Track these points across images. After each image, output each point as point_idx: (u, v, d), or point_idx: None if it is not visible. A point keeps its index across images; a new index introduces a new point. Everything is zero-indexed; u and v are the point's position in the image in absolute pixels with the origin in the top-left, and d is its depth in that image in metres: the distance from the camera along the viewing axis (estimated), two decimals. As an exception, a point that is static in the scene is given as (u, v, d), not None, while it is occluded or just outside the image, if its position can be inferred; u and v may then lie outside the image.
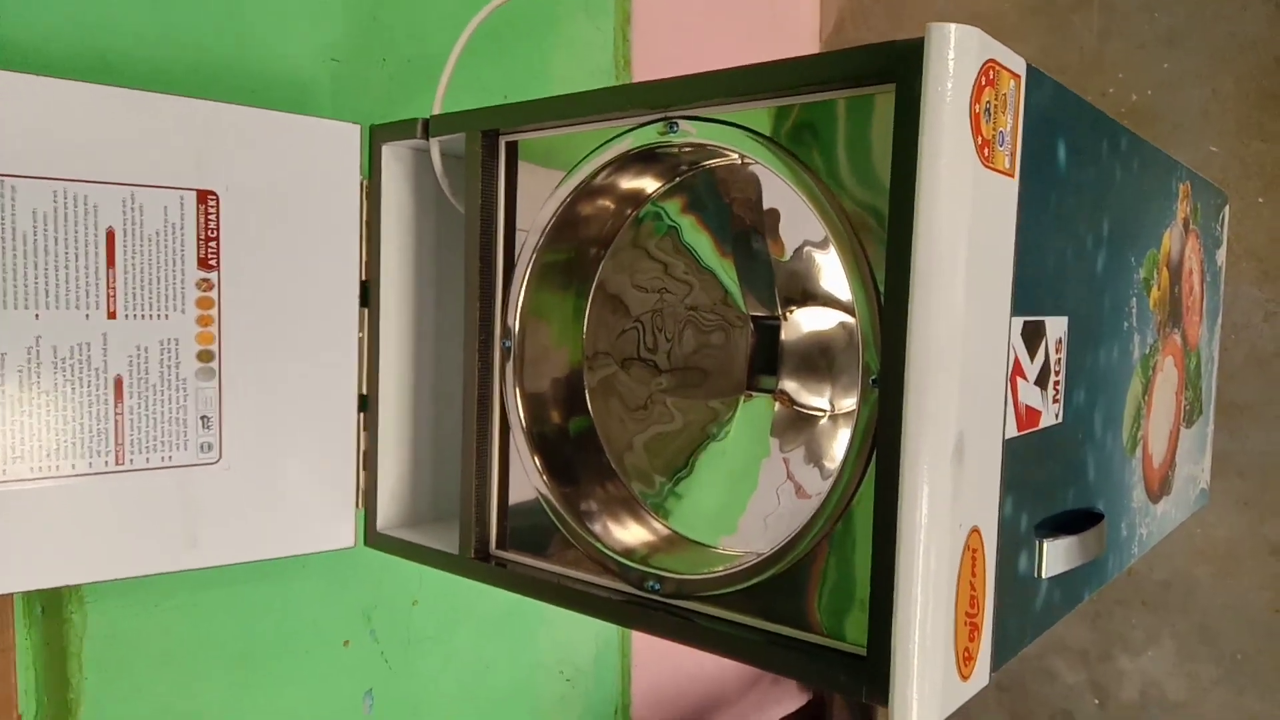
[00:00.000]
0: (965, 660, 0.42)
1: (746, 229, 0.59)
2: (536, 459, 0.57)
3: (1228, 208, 0.88)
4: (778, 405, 0.60)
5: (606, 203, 0.58)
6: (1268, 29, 0.97)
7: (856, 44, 1.28)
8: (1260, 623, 0.99)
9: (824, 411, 0.58)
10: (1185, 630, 1.04)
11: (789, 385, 0.60)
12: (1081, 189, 0.51)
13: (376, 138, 0.67)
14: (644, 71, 1.05)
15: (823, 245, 0.57)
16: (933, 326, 0.39)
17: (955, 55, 0.38)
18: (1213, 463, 0.88)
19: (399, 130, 0.65)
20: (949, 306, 0.39)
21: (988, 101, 0.40)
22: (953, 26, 0.38)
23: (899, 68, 0.40)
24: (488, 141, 0.59)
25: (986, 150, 0.40)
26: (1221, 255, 0.87)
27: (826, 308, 0.58)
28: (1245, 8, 0.98)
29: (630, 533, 0.57)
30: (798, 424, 0.59)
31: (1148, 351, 0.66)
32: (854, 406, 0.56)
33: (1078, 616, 1.09)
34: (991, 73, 0.40)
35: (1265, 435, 0.98)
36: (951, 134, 0.38)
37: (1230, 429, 0.99)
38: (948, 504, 0.39)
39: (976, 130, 0.39)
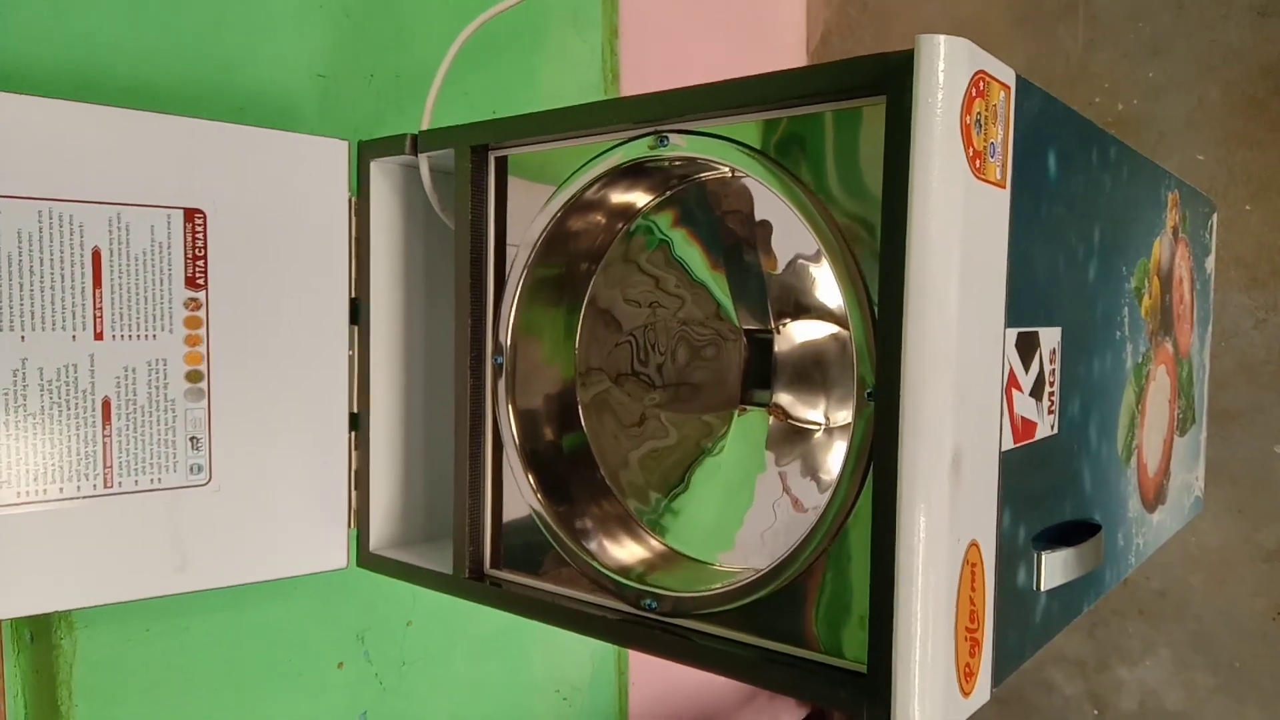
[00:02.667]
0: (966, 676, 0.41)
1: (738, 242, 0.59)
2: (530, 477, 0.57)
3: (1216, 215, 0.88)
4: (772, 419, 0.60)
5: (597, 217, 0.58)
6: (1251, 37, 0.97)
7: (843, 55, 1.28)
8: (1255, 630, 0.99)
9: (819, 425, 0.58)
10: (1182, 639, 1.03)
11: (783, 398, 0.60)
12: (1072, 199, 0.51)
13: (365, 154, 0.66)
14: (632, 84, 1.05)
15: (815, 258, 0.57)
16: (928, 340, 0.39)
17: (945, 67, 0.38)
18: (1205, 470, 0.88)
19: (387, 146, 0.65)
20: (943, 319, 0.39)
21: (978, 113, 0.40)
22: (942, 38, 0.38)
23: (889, 80, 0.40)
24: (477, 157, 0.59)
25: (978, 162, 0.40)
26: (1211, 263, 0.88)
27: (820, 320, 0.58)
28: (1228, 17, 0.99)
29: (626, 550, 0.57)
30: (793, 438, 0.59)
31: (1140, 360, 0.66)
32: (849, 419, 0.56)
33: (1075, 627, 1.09)
34: (982, 84, 0.40)
35: (1256, 442, 0.98)
36: (943, 146, 0.38)
37: (1222, 436, 0.99)
38: (946, 518, 0.39)
39: (968, 142, 0.39)
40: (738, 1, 1.23)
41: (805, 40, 1.31)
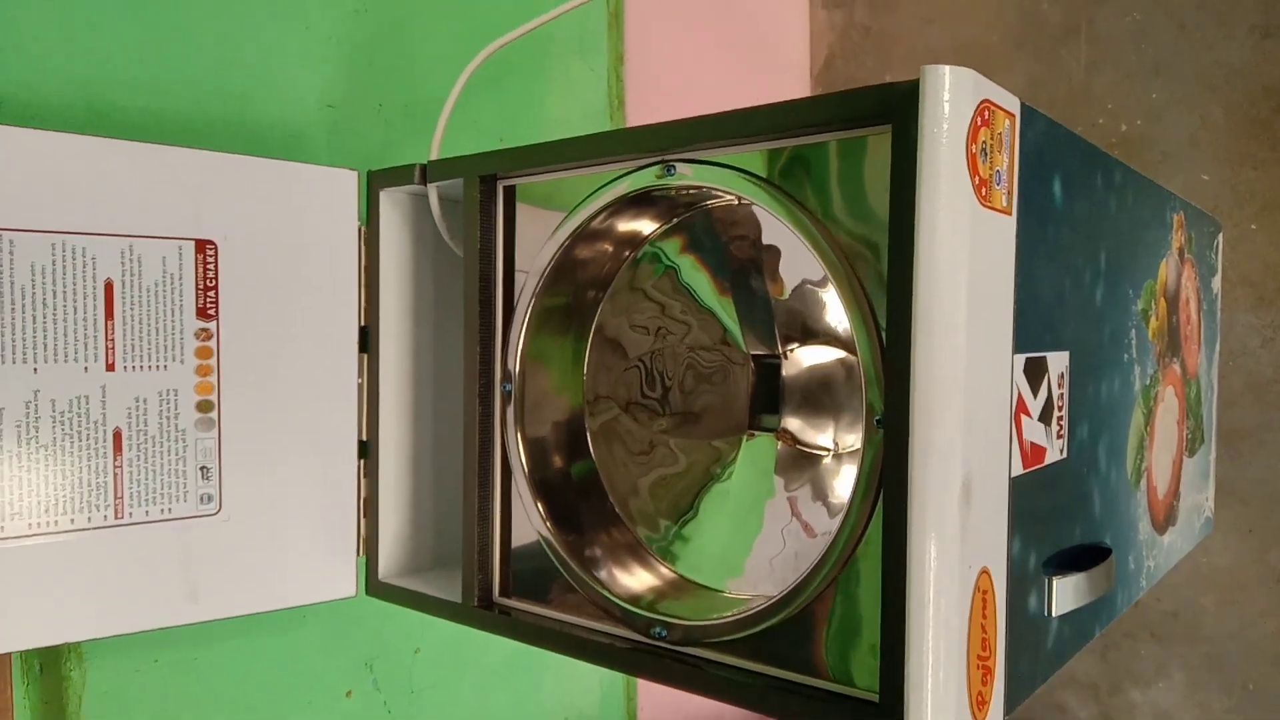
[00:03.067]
0: (979, 705, 0.41)
1: (745, 268, 0.59)
2: (539, 505, 0.57)
3: (1221, 235, 0.89)
4: (780, 444, 0.60)
5: (604, 246, 0.58)
6: (1253, 58, 0.98)
7: (846, 78, 1.29)
8: (1268, 651, 0.98)
9: (828, 450, 0.58)
10: (1194, 661, 1.03)
11: (792, 424, 0.60)
12: (1078, 223, 0.51)
13: (374, 183, 0.67)
14: (638, 109, 1.06)
15: (821, 283, 0.57)
16: (936, 368, 0.39)
17: (950, 97, 0.38)
18: (1215, 490, 0.87)
19: (396, 176, 0.65)
20: (952, 347, 0.39)
21: (984, 141, 0.40)
22: (947, 69, 0.39)
23: (895, 110, 0.40)
24: (485, 186, 0.59)
25: (984, 190, 0.40)
26: (1217, 283, 0.88)
27: (827, 346, 0.58)
28: (1230, 37, 0.99)
29: (636, 578, 0.57)
30: (801, 463, 0.59)
31: (1148, 382, 0.66)
32: (858, 445, 0.56)
33: (1087, 649, 1.08)
34: (987, 113, 0.41)
35: (1266, 462, 0.98)
36: (949, 176, 0.38)
37: (1231, 456, 0.98)
38: (957, 546, 0.39)
39: (974, 171, 0.40)
40: (742, 26, 1.24)
41: (809, 64, 1.32)
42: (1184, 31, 1.02)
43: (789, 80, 1.31)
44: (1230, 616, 1.00)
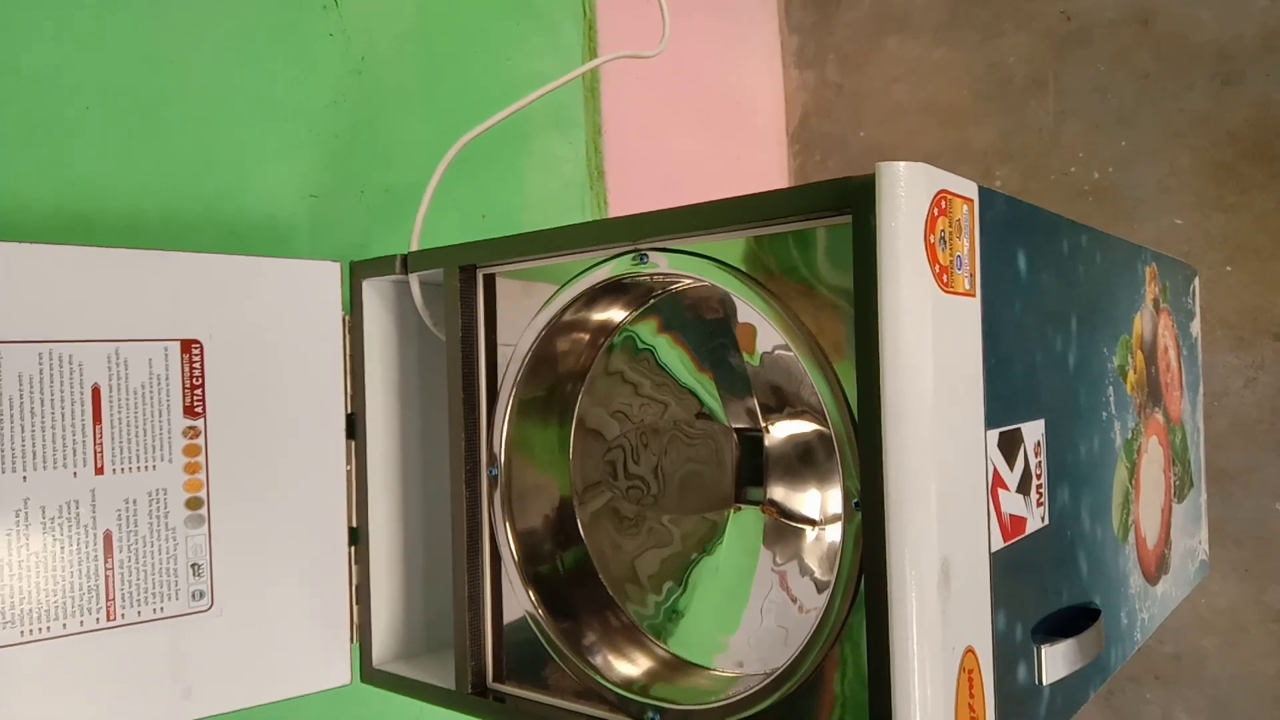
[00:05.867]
0: (969, 789, 0.41)
1: (722, 344, 0.60)
2: (531, 594, 0.57)
3: (1197, 279, 0.90)
4: (767, 517, 0.60)
5: (580, 335, 0.59)
6: (1214, 105, 1.00)
7: (821, 136, 1.31)
8: (1271, 692, 0.98)
9: (814, 522, 0.59)
10: (1199, 704, 1.02)
11: (777, 494, 0.61)
12: (1045, 292, 0.52)
13: (357, 273, 0.68)
14: (617, 178, 1.07)
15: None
16: (907, 453, 0.39)
17: (905, 192, 0.40)
18: (1209, 532, 0.88)
19: (378, 267, 0.66)
20: (921, 432, 0.40)
21: (942, 230, 0.41)
22: (902, 165, 0.40)
23: (854, 203, 0.41)
24: (465, 275, 0.60)
25: (945, 276, 0.41)
26: (1196, 327, 0.89)
27: (807, 420, 0.59)
28: (1191, 86, 1.02)
29: (629, 661, 0.57)
30: (788, 535, 0.59)
31: (1130, 436, 0.66)
32: (841, 518, 0.57)
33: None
34: (944, 202, 0.42)
35: (1256, 502, 0.98)
36: (908, 267, 0.39)
37: (1221, 497, 0.99)
38: (938, 630, 0.39)
39: (933, 259, 0.41)
40: (717, 91, 1.26)
41: (785, 123, 1.35)
42: (1148, 81, 1.04)
43: (766, 139, 1.33)
44: (1232, 658, 1.00)
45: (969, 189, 0.44)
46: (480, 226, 0.90)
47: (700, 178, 1.20)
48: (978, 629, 0.43)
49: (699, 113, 1.23)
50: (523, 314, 0.58)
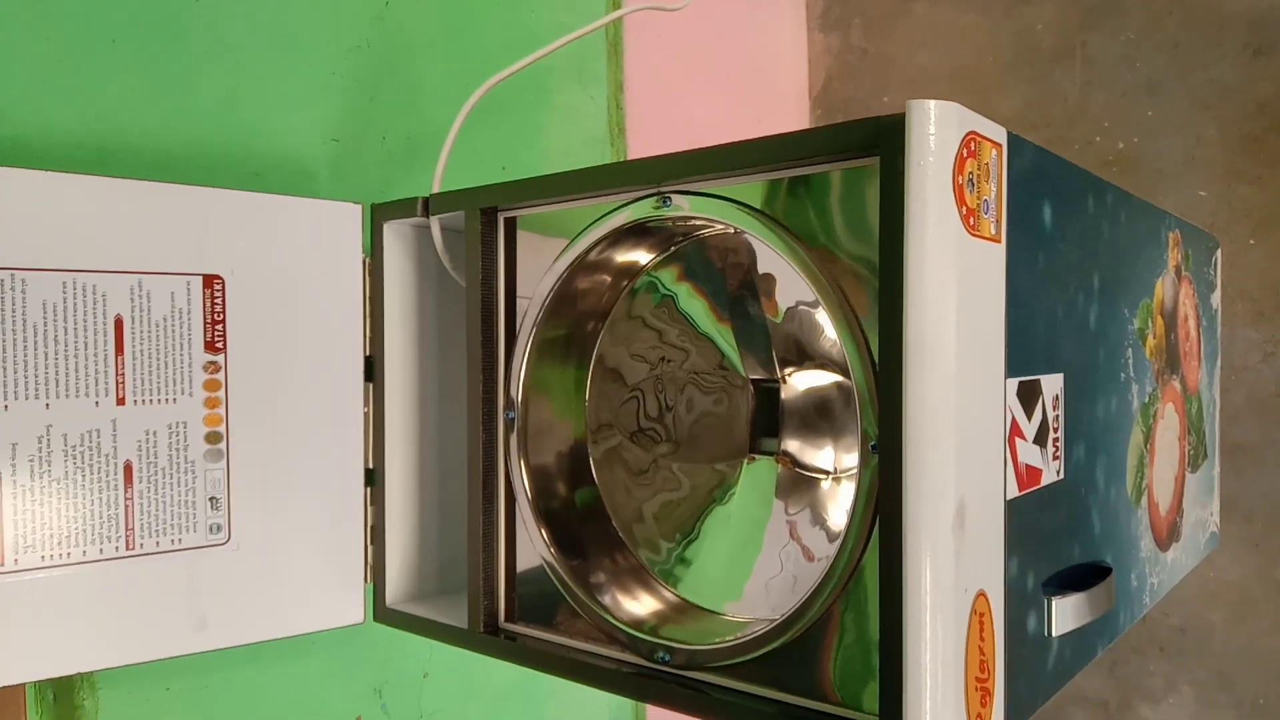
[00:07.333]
0: (977, 727, 0.41)
1: (742, 294, 0.60)
2: (544, 532, 0.58)
3: (1220, 251, 0.89)
4: (780, 467, 0.61)
5: (602, 276, 0.59)
6: (1245, 76, 0.99)
7: (845, 100, 1.30)
8: (1276, 667, 0.98)
9: (827, 473, 0.59)
10: (1204, 677, 1.02)
11: (791, 446, 0.61)
12: (1069, 247, 0.52)
13: (378, 216, 0.68)
14: (638, 136, 1.07)
15: (816, 305, 0.58)
16: (927, 395, 0.40)
17: (936, 130, 0.39)
18: (1220, 506, 0.87)
19: (399, 209, 0.66)
20: (942, 375, 0.40)
21: (970, 172, 0.41)
22: (933, 103, 0.40)
23: (882, 142, 0.41)
24: (486, 218, 0.60)
25: (972, 219, 0.41)
26: (1216, 298, 0.88)
27: (824, 370, 0.59)
28: (1222, 56, 1.00)
29: (639, 603, 0.57)
30: (801, 485, 0.60)
31: (1147, 400, 0.66)
32: (855, 467, 0.57)
33: (1095, 665, 1.08)
34: (973, 144, 0.41)
35: (1270, 477, 0.98)
36: (936, 207, 0.39)
37: (1235, 471, 0.98)
38: (951, 570, 0.40)
39: (960, 201, 0.40)
40: (740, 52, 1.25)
41: (808, 86, 1.33)
42: (1177, 51, 1.03)
43: (789, 103, 1.32)
44: (1239, 632, 1.00)
45: (999, 133, 0.43)
46: (500, 179, 0.90)
47: (721, 139, 1.19)
48: (990, 574, 0.43)
49: (721, 74, 1.23)
50: (542, 264, 0.58)
